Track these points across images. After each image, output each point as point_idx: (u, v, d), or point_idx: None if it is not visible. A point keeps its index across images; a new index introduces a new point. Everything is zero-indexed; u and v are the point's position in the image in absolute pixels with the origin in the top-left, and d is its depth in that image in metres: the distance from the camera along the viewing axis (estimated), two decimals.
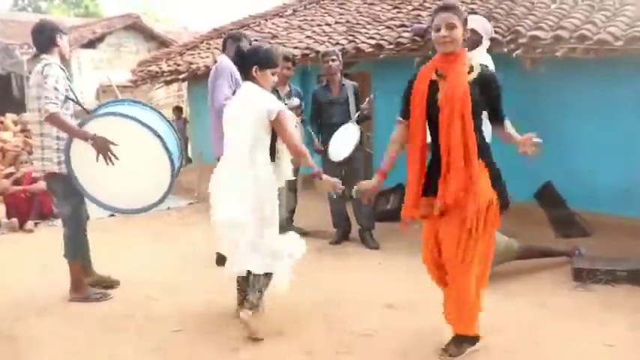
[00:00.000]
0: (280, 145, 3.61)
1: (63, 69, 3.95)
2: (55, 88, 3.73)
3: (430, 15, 6.64)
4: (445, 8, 2.93)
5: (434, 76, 3.00)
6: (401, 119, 3.19)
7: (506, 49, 5.39)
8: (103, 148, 3.60)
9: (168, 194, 3.87)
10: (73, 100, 3.94)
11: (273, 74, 3.54)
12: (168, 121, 4.10)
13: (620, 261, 4.36)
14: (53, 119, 3.64)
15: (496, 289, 3.98)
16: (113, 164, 3.61)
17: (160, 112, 4.18)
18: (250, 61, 3.51)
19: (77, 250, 4.08)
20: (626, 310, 3.74)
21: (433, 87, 2.99)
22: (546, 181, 5.74)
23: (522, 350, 3.28)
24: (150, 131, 3.70)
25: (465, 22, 2.94)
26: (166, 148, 3.72)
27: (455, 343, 3.19)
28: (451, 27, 2.88)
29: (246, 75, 3.57)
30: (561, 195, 5.65)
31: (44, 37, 3.97)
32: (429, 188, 3.05)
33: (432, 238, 3.14)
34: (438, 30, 2.91)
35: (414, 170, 3.07)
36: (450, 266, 3.06)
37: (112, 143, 3.61)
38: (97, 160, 3.60)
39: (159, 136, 3.71)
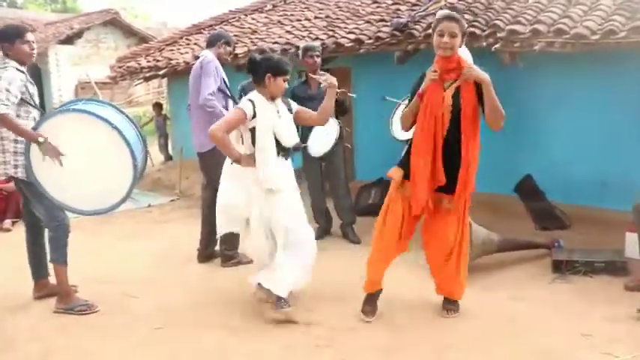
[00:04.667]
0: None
1: (23, 72, 3.85)
2: (7, 90, 3.63)
3: (409, 11, 6.71)
4: (450, 18, 3.25)
5: (445, 87, 3.30)
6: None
7: (485, 43, 5.41)
8: (50, 151, 3.57)
9: (134, 187, 3.77)
10: (31, 105, 3.86)
11: (284, 81, 3.75)
12: (126, 114, 3.99)
13: (597, 252, 4.42)
14: (3, 120, 3.57)
15: (475, 282, 4.02)
16: (62, 165, 3.58)
17: (115, 106, 4.09)
18: (264, 69, 3.69)
19: (63, 250, 3.97)
20: (603, 300, 3.80)
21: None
22: (526, 175, 5.80)
23: (500, 341, 3.30)
24: (106, 123, 3.62)
25: (464, 33, 3.30)
26: (124, 139, 3.64)
27: (453, 303, 3.71)
28: (453, 35, 3.21)
29: (259, 82, 3.73)
30: (540, 188, 5.72)
31: None
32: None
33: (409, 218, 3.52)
34: (441, 35, 3.22)
35: (429, 166, 3.37)
36: (447, 248, 3.54)
37: (60, 153, 3.59)
38: (44, 160, 3.57)
39: (115, 128, 3.63)
